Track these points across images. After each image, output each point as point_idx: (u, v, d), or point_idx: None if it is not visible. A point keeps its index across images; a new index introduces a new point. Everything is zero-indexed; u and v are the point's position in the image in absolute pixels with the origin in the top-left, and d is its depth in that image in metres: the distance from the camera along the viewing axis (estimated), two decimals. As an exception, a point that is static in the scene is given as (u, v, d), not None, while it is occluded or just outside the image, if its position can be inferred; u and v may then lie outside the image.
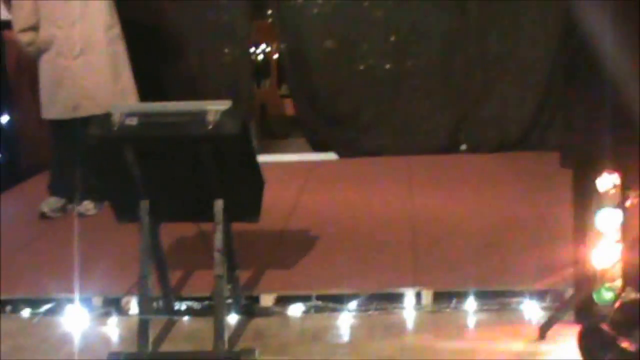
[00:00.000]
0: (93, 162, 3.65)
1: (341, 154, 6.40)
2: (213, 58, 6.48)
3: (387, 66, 6.42)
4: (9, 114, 6.08)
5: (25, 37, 5.04)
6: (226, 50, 6.48)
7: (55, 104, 5.07)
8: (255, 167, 3.42)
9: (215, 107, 3.26)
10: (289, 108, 7.28)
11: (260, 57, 7.49)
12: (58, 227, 5.06)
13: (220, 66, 6.49)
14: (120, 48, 5.13)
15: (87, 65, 4.99)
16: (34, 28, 5.02)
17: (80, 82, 4.99)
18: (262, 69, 7.47)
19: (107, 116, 3.35)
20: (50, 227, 5.06)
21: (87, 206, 5.25)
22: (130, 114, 3.33)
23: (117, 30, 5.11)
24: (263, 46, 7.54)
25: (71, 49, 4.96)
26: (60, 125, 5.18)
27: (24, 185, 5.97)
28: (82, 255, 4.46)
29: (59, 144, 5.28)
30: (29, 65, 5.90)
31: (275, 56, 7.49)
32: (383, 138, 6.38)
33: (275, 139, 6.97)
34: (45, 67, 5.07)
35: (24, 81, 6.28)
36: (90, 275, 4.12)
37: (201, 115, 3.25)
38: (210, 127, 3.22)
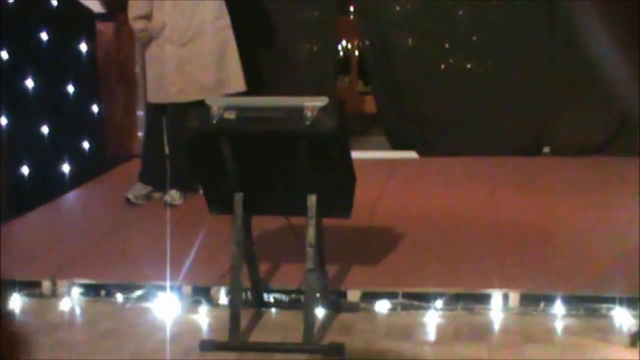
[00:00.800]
0: (190, 153, 3.73)
1: (421, 153, 6.39)
2: (297, 53, 6.54)
3: (469, 65, 6.39)
4: (98, 104, 6.22)
5: (138, 24, 5.24)
6: (311, 46, 6.53)
7: (160, 89, 5.23)
8: (349, 164, 3.46)
9: (312, 103, 3.31)
10: (367, 105, 7.29)
11: (341, 53, 7.51)
12: (144, 215, 5.17)
13: (304, 61, 6.54)
14: (228, 37, 5.25)
15: (194, 52, 5.15)
16: (147, 16, 5.19)
17: (186, 68, 5.15)
18: (342, 65, 7.49)
19: (205, 109, 3.42)
20: (138, 214, 5.18)
21: (174, 196, 5.34)
22: (229, 108, 3.40)
23: (225, 20, 5.24)
24: (343, 43, 7.57)
25: (180, 37, 5.12)
26: (157, 114, 5.33)
27: (110, 174, 6.11)
28: (170, 243, 4.57)
29: (151, 133, 5.45)
30: (117, 56, 6.06)
31: (356, 53, 7.51)
32: (464, 138, 6.34)
33: (353, 136, 6.98)
34: (154, 53, 5.26)
35: (112, 72, 6.44)
36: (179, 263, 4.22)
37: (299, 111, 3.29)
38: (307, 123, 3.27)
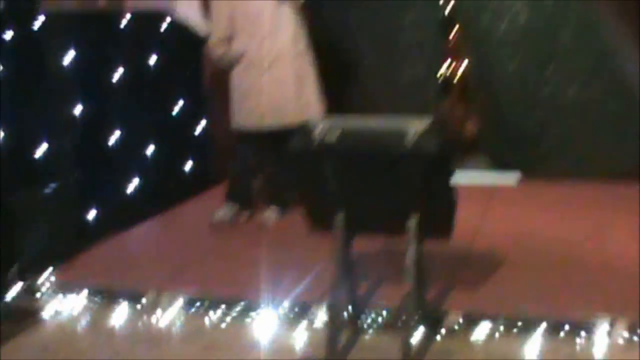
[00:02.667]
0: (293, 173, 3.78)
1: (524, 175, 6.31)
2: (401, 76, 6.55)
3: (571, 90, 6.28)
4: (204, 123, 6.38)
5: (219, 49, 5.33)
6: (414, 69, 6.54)
7: (242, 114, 5.31)
8: (450, 187, 3.45)
9: (415, 125, 3.32)
10: (469, 127, 7.24)
11: (442, 76, 7.47)
12: (242, 233, 5.27)
13: (407, 83, 6.56)
14: (306, 62, 5.31)
15: (274, 78, 5.20)
16: (228, 40, 5.28)
17: (267, 94, 5.20)
18: (443, 88, 7.46)
19: (308, 130, 3.47)
20: (236, 232, 5.28)
21: (270, 215, 5.44)
22: (332, 129, 3.44)
23: (303, 44, 5.29)
24: (446, 64, 7.54)
25: (261, 62, 5.18)
26: (244, 134, 5.40)
27: (213, 191, 6.23)
28: (268, 260, 4.65)
29: (241, 153, 5.51)
30: (223, 78, 6.19)
31: (458, 74, 7.47)
32: (567, 161, 6.23)
33: (454, 157, 6.94)
34: (237, 79, 5.34)
35: (217, 93, 6.58)
36: (278, 281, 4.28)
37: (401, 133, 3.30)
38: (410, 145, 3.28)
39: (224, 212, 5.44)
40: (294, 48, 5.23)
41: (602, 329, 3.58)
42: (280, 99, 5.20)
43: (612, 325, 3.59)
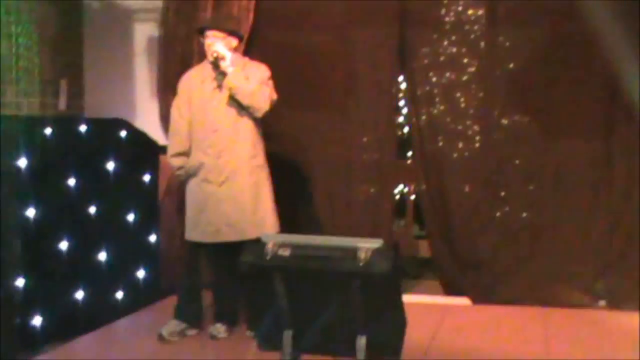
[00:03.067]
0: (243, 287, 3.76)
1: (475, 300, 6.33)
2: (356, 195, 6.62)
3: (524, 214, 6.38)
4: (156, 234, 6.34)
5: (176, 162, 5.33)
6: (369, 188, 6.62)
7: (197, 227, 5.26)
8: (400, 307, 3.46)
9: (367, 245, 3.34)
10: (422, 249, 7.30)
11: (397, 196, 7.58)
12: (188, 348, 5.17)
13: (361, 203, 6.61)
14: (263, 176, 5.31)
15: (231, 193, 5.18)
16: (186, 153, 5.30)
17: (222, 209, 5.17)
18: (398, 208, 7.55)
19: (261, 245, 3.47)
20: (181, 346, 5.17)
21: (219, 329, 5.37)
22: (284, 245, 3.45)
23: (260, 159, 5.31)
24: (400, 186, 7.66)
25: (217, 176, 5.17)
26: (195, 251, 5.36)
27: (162, 304, 6.14)
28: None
29: (190, 268, 5.44)
30: (177, 189, 6.20)
31: (412, 197, 7.58)
32: (519, 287, 6.27)
33: (406, 279, 6.96)
34: (192, 191, 5.31)
35: (172, 204, 6.58)
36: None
37: (353, 251, 3.33)
38: (361, 264, 3.30)
39: (171, 326, 5.34)
40: (252, 162, 5.24)
41: None
42: (236, 214, 5.18)
43: None
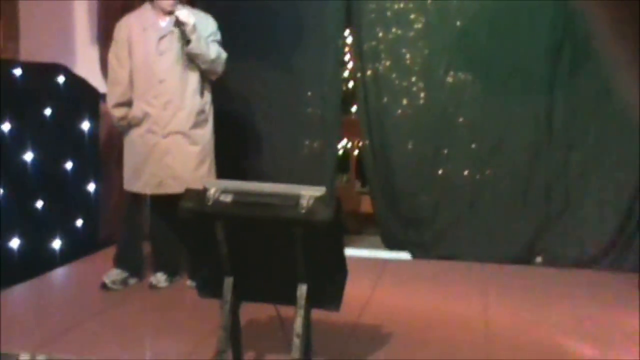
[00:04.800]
0: (184, 235, 3.71)
1: (415, 255, 6.39)
2: (298, 148, 6.59)
3: (466, 172, 6.43)
4: (96, 183, 6.23)
5: (117, 112, 5.18)
6: (312, 143, 6.59)
7: (140, 178, 5.18)
8: (342, 257, 3.45)
9: (309, 192, 3.32)
10: (363, 205, 7.31)
11: (340, 152, 7.56)
12: (127, 297, 5.12)
13: (304, 157, 6.59)
14: (208, 133, 5.25)
15: (176, 146, 5.09)
16: (127, 104, 5.17)
17: (167, 161, 5.09)
18: (341, 163, 7.53)
19: (202, 191, 3.42)
20: (119, 297, 5.12)
21: (159, 278, 5.34)
22: (225, 191, 3.40)
23: (207, 114, 5.24)
24: (344, 142, 7.64)
25: (162, 128, 5.07)
26: (134, 200, 5.30)
27: (101, 254, 6.06)
28: (153, 326, 4.53)
29: (130, 215, 5.38)
30: (118, 138, 6.09)
31: (355, 152, 7.57)
32: (458, 243, 6.34)
33: (348, 234, 6.97)
34: (134, 142, 5.20)
35: (112, 153, 6.46)
36: (162, 346, 4.16)
37: (295, 198, 3.30)
38: (303, 211, 3.27)
39: (113, 275, 5.28)
40: (199, 116, 5.15)
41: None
42: (180, 167, 5.10)
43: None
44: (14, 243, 5.34)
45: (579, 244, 6.13)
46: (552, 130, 6.21)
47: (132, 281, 5.36)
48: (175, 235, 5.25)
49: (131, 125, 5.17)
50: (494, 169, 6.35)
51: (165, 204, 5.14)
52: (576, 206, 6.17)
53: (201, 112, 5.16)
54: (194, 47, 5.01)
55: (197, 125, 5.14)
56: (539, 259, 6.23)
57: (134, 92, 5.14)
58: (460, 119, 6.42)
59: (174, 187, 4.98)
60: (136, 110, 5.13)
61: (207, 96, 5.25)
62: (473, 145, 6.40)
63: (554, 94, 6.17)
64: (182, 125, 5.09)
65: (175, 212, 3.61)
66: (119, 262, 5.36)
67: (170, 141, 5.09)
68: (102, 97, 5.97)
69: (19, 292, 5.17)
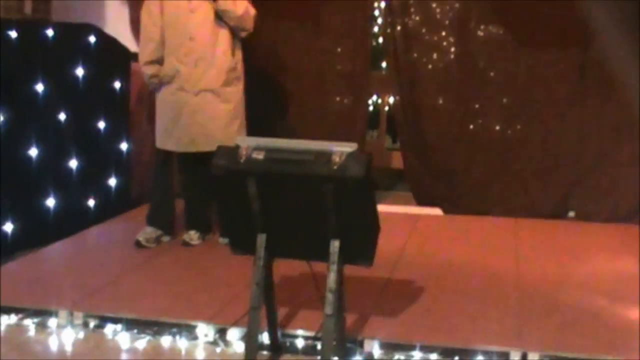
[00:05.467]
0: (216, 192, 3.72)
1: (446, 211, 6.38)
2: (328, 105, 6.58)
3: (497, 127, 6.39)
4: (127, 142, 6.28)
5: (149, 70, 5.20)
6: (342, 99, 6.58)
7: (171, 136, 5.20)
8: (374, 212, 3.45)
9: (341, 149, 3.31)
10: (394, 161, 7.30)
11: (371, 108, 7.53)
12: (161, 254, 5.18)
13: (334, 114, 6.59)
14: (239, 91, 5.25)
15: (206, 104, 5.10)
16: (158, 61, 5.18)
17: (198, 118, 5.10)
18: (371, 119, 7.51)
19: (234, 148, 3.43)
20: (154, 254, 5.18)
21: (192, 236, 5.38)
22: (258, 148, 3.41)
23: (239, 72, 5.23)
24: (374, 97, 7.61)
25: (193, 86, 5.08)
26: (166, 158, 5.33)
27: (135, 212, 6.13)
28: (187, 283, 4.58)
29: (161, 173, 5.42)
30: (148, 96, 6.12)
31: (386, 108, 7.54)
32: (489, 198, 6.33)
33: (378, 190, 6.98)
34: (166, 100, 5.21)
35: (143, 112, 6.50)
36: (196, 303, 4.21)
37: (327, 155, 3.30)
38: (335, 167, 3.27)
39: (147, 233, 5.34)
40: (230, 74, 5.15)
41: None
42: (211, 124, 5.11)
43: (524, 357, 3.62)
44: (50, 202, 5.41)
45: (612, 199, 6.09)
46: (585, 84, 6.14)
47: (165, 239, 5.42)
48: (207, 193, 5.29)
49: (163, 82, 5.19)
50: (526, 124, 6.31)
51: (196, 161, 5.17)
52: (609, 161, 6.11)
53: (232, 69, 5.16)
54: (221, 2, 5.01)
55: (228, 83, 5.15)
56: (571, 214, 6.21)
57: (165, 49, 5.15)
58: (492, 73, 6.37)
59: (205, 145, 4.99)
60: (167, 68, 5.14)
61: (238, 54, 5.24)
62: (504, 100, 6.36)
63: (587, 45, 6.08)
64: (212, 83, 5.10)
65: (206, 170, 3.63)
66: (152, 220, 5.41)
67: (201, 99, 5.10)
68: (133, 56, 6.00)
69: (56, 250, 5.25)
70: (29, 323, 4.04)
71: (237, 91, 5.22)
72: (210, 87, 5.10)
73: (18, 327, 4.02)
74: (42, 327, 4.01)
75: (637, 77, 1.45)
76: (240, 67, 5.25)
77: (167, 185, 5.42)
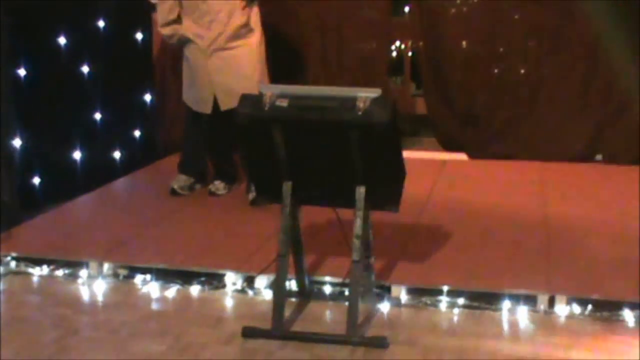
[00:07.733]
0: (241, 140, 3.73)
1: (472, 155, 6.35)
2: (351, 52, 6.54)
3: (522, 71, 6.32)
4: (151, 94, 6.28)
5: (166, 31, 5.20)
6: (365, 46, 6.53)
7: (194, 97, 5.24)
8: (399, 158, 3.44)
9: (365, 94, 3.30)
10: (418, 107, 7.25)
11: (394, 54, 7.47)
12: (190, 203, 5.23)
13: (357, 61, 6.54)
14: (254, 41, 5.19)
15: (223, 62, 5.08)
16: (176, 21, 5.15)
17: (215, 78, 5.09)
18: (395, 66, 7.46)
19: (258, 96, 3.42)
20: (183, 203, 5.23)
21: (218, 186, 5.42)
22: (282, 95, 3.40)
23: (256, 31, 5.16)
24: (397, 43, 7.54)
25: (209, 45, 5.06)
26: (193, 112, 5.33)
27: (161, 163, 6.17)
28: (214, 232, 4.62)
29: (191, 125, 5.43)
30: (172, 48, 6.10)
31: (409, 54, 7.48)
32: (516, 142, 6.29)
33: (403, 136, 6.93)
34: (188, 59, 5.22)
35: (167, 62, 6.49)
36: (225, 251, 4.25)
37: (351, 101, 3.28)
38: (360, 113, 3.26)
39: (181, 181, 5.41)
40: (245, 34, 5.11)
41: (543, 303, 3.62)
42: (228, 82, 5.07)
43: (551, 300, 3.63)
44: (77, 155, 5.44)
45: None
46: (613, 25, 6.03)
47: (198, 186, 5.46)
48: (232, 149, 5.31)
49: (181, 42, 5.17)
50: (552, 67, 6.23)
51: (220, 117, 5.16)
52: (637, 101, 6.03)
53: (244, 25, 5.11)
54: None
55: (241, 37, 5.10)
56: (599, 157, 6.16)
57: (183, 11, 5.12)
58: (516, 16, 6.28)
59: (228, 103, 4.97)
60: (184, 29, 5.13)
61: (256, 13, 5.18)
62: (530, 43, 6.28)
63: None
64: (227, 43, 5.07)
65: (230, 124, 3.63)
66: (185, 168, 5.45)
67: (217, 59, 5.07)
68: (153, 6, 5.96)
69: (84, 202, 5.30)
70: (61, 274, 4.10)
71: (251, 42, 5.14)
72: (224, 47, 5.06)
73: (50, 278, 4.08)
74: (73, 277, 4.08)
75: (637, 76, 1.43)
76: (254, 20, 5.18)
77: (198, 137, 5.44)
